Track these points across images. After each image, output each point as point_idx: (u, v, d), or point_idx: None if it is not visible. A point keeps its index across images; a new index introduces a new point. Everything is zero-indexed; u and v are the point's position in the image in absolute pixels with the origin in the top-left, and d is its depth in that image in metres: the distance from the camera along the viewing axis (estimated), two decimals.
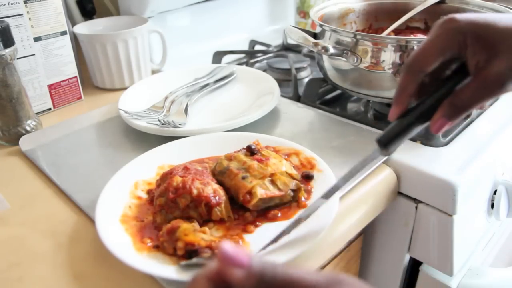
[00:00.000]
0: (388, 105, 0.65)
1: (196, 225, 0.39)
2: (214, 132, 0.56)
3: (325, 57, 0.63)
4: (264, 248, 0.37)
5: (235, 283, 0.22)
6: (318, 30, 0.66)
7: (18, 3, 0.62)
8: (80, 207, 0.47)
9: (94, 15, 0.90)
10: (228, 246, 0.23)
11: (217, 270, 0.22)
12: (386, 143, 0.36)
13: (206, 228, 0.39)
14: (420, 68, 0.36)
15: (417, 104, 0.37)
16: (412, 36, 0.58)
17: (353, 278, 0.23)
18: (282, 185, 0.43)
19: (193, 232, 0.37)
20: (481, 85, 0.34)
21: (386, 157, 0.36)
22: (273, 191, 0.43)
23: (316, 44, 0.59)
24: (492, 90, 0.34)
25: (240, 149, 0.49)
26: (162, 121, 0.59)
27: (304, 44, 0.61)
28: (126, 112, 0.61)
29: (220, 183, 0.44)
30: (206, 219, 0.41)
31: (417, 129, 0.37)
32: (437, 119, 0.36)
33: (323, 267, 0.53)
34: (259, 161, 0.45)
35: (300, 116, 0.64)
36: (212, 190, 0.42)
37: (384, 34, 0.66)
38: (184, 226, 0.38)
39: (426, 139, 0.55)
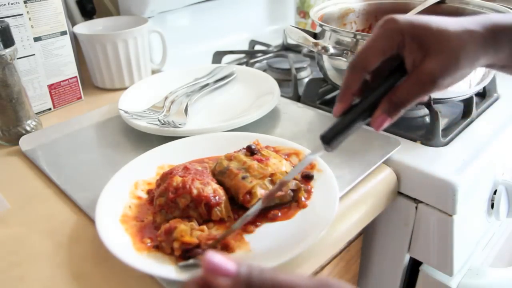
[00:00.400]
0: None
1: (194, 224, 0.39)
2: (214, 132, 0.56)
3: (325, 57, 0.63)
4: (247, 216, 0.38)
5: None
6: (318, 30, 0.66)
7: (18, 3, 0.62)
8: (80, 207, 0.47)
9: (94, 15, 0.90)
10: (212, 255, 0.22)
11: (204, 278, 0.22)
12: (329, 140, 0.37)
13: (204, 227, 0.39)
14: (363, 67, 0.38)
15: (359, 102, 0.38)
16: None
17: (343, 282, 0.23)
18: None
19: (190, 233, 0.37)
20: (415, 82, 0.36)
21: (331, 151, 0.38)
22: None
23: (316, 44, 0.59)
24: (425, 86, 0.35)
25: (240, 149, 0.49)
26: (162, 121, 0.59)
27: (304, 44, 0.61)
28: (126, 112, 0.61)
29: (220, 183, 0.44)
30: (206, 219, 0.41)
31: (360, 126, 0.38)
32: (378, 116, 0.37)
33: (323, 267, 0.53)
34: (259, 161, 0.45)
35: (300, 116, 0.64)
36: (212, 190, 0.42)
37: None
38: (182, 227, 0.38)
39: (426, 139, 0.55)
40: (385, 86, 0.37)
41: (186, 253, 0.37)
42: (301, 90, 0.70)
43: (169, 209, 0.41)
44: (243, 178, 0.43)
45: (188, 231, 0.38)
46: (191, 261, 0.36)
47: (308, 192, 0.44)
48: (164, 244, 0.38)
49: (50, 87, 0.70)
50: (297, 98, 0.70)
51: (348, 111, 0.38)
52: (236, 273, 0.22)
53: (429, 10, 0.68)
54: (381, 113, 0.37)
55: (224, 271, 0.22)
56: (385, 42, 0.37)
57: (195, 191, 0.41)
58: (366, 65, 0.38)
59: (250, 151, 0.47)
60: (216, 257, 0.22)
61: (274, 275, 0.22)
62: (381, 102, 0.37)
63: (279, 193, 0.43)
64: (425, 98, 0.38)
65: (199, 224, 0.40)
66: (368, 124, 0.38)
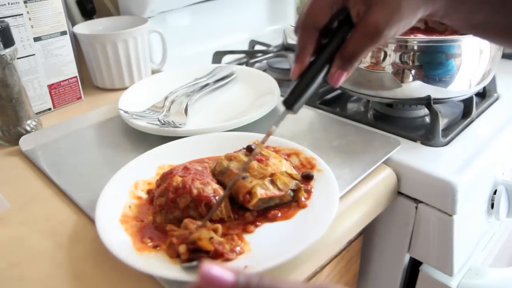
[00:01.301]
0: (388, 105, 0.65)
1: (211, 232, 0.38)
2: (214, 132, 0.56)
3: None
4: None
5: None
6: None
7: (18, 3, 0.62)
8: (80, 207, 0.47)
9: (94, 15, 0.90)
10: (209, 266, 0.22)
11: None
12: (292, 104, 0.38)
13: (218, 225, 0.39)
14: (314, 25, 0.38)
15: (314, 60, 0.39)
16: (412, 36, 0.58)
17: (340, 287, 0.23)
18: (282, 185, 0.43)
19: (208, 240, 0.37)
20: (362, 34, 0.36)
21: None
22: (273, 191, 0.43)
23: None
24: (372, 37, 0.36)
25: (240, 149, 0.49)
26: (162, 121, 0.59)
27: None
28: (126, 112, 0.61)
29: (220, 183, 0.44)
30: None
31: (318, 84, 0.38)
32: (333, 72, 0.38)
33: (323, 267, 0.53)
34: (259, 161, 0.45)
35: (300, 116, 0.64)
36: (212, 190, 0.42)
37: None
38: (203, 234, 0.37)
39: (426, 139, 0.55)
40: (335, 41, 0.38)
41: (191, 255, 0.37)
42: None
43: (169, 209, 0.41)
44: (243, 178, 0.43)
45: (208, 237, 0.37)
46: (194, 263, 0.36)
47: (308, 192, 0.44)
48: (173, 244, 0.37)
49: (50, 87, 0.70)
50: None
51: (305, 72, 0.38)
52: (234, 283, 0.22)
53: None
54: (336, 69, 0.38)
55: (221, 282, 0.22)
56: None
57: (195, 191, 0.41)
58: (316, 23, 0.38)
59: (250, 151, 0.47)
60: (213, 268, 0.22)
61: (273, 282, 0.22)
62: (334, 58, 0.38)
63: (279, 193, 0.43)
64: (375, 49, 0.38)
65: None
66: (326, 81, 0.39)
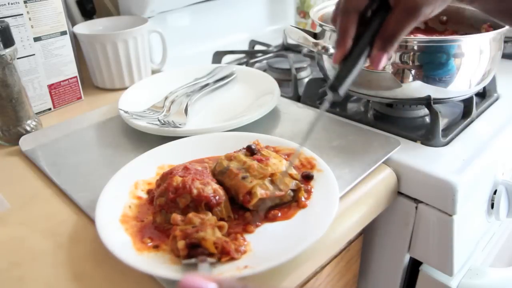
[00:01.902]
0: (388, 105, 0.65)
1: (216, 231, 0.38)
2: (214, 132, 0.56)
3: (325, 57, 0.63)
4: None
5: None
6: (318, 30, 0.66)
7: (18, 3, 0.62)
8: (80, 207, 0.47)
9: (94, 15, 0.90)
10: (190, 278, 0.21)
11: None
12: (338, 87, 0.38)
13: (224, 223, 0.39)
14: (354, 7, 0.39)
15: (354, 45, 0.39)
16: (412, 36, 0.58)
17: None
18: (282, 185, 0.43)
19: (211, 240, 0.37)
20: (401, 13, 0.38)
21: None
22: (273, 191, 0.43)
23: (316, 44, 0.59)
24: (411, 15, 0.37)
25: (240, 149, 0.49)
26: (162, 121, 0.59)
27: (304, 44, 0.61)
28: (126, 112, 0.61)
29: (220, 183, 0.44)
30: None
31: (361, 68, 0.39)
32: (375, 55, 0.39)
33: (323, 267, 0.53)
34: (259, 161, 0.45)
35: (300, 116, 0.64)
36: (212, 190, 0.42)
37: None
38: (208, 234, 0.37)
39: (426, 139, 0.55)
40: (374, 25, 0.39)
41: (191, 251, 0.36)
42: (301, 90, 0.70)
43: (169, 209, 0.41)
44: (243, 178, 0.43)
45: (212, 238, 0.37)
46: (193, 260, 0.36)
47: (308, 192, 0.44)
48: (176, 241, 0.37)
49: (50, 87, 0.70)
50: (297, 98, 0.70)
51: (347, 56, 0.39)
52: None
53: None
54: (377, 51, 0.39)
55: None
56: None
57: (195, 191, 0.41)
58: (357, 5, 0.39)
59: (250, 151, 0.47)
60: (195, 280, 0.21)
61: None
62: (374, 41, 0.39)
63: (279, 193, 0.43)
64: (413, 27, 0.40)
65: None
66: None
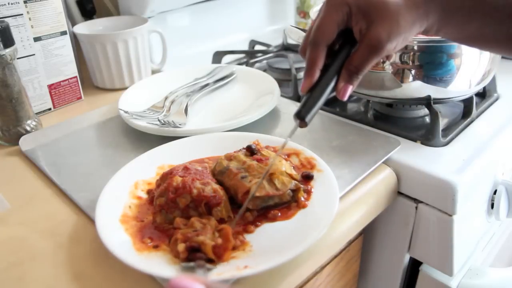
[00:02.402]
0: (388, 105, 0.65)
1: (216, 237, 0.38)
2: (214, 132, 0.56)
3: None
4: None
5: None
6: None
7: (18, 3, 0.62)
8: (80, 207, 0.47)
9: (94, 15, 0.90)
10: (179, 279, 0.22)
11: None
12: (304, 115, 0.39)
13: (228, 227, 0.38)
14: (324, 41, 0.41)
15: (321, 76, 0.41)
16: (412, 36, 0.58)
17: None
18: (280, 185, 0.43)
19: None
20: (366, 48, 0.39)
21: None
22: (270, 191, 0.43)
23: None
24: (375, 51, 0.39)
25: (240, 149, 0.49)
26: (162, 121, 0.59)
27: None
28: (126, 112, 0.61)
29: (220, 183, 0.44)
30: None
31: (326, 97, 0.41)
32: (341, 86, 0.41)
33: (323, 267, 0.53)
34: (259, 161, 0.45)
35: None
36: (212, 190, 0.42)
37: None
38: (207, 240, 0.37)
39: (426, 139, 0.55)
40: (341, 57, 0.41)
41: (190, 254, 0.37)
42: None
43: (169, 209, 0.41)
44: (242, 177, 0.43)
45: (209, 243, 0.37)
46: (192, 264, 0.36)
47: (308, 192, 0.44)
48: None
49: (50, 87, 0.70)
50: (297, 98, 0.70)
51: (314, 86, 0.41)
52: None
53: None
54: (343, 83, 0.41)
55: None
56: (337, 15, 0.40)
57: (195, 191, 0.41)
58: (326, 39, 0.41)
59: (250, 151, 0.47)
60: (182, 281, 0.22)
61: None
62: (341, 73, 0.41)
63: (278, 193, 0.43)
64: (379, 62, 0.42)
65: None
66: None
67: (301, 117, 0.39)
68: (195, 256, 0.36)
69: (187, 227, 0.39)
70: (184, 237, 0.37)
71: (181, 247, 0.36)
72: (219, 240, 0.37)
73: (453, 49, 0.53)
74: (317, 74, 0.41)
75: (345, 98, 0.41)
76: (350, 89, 0.41)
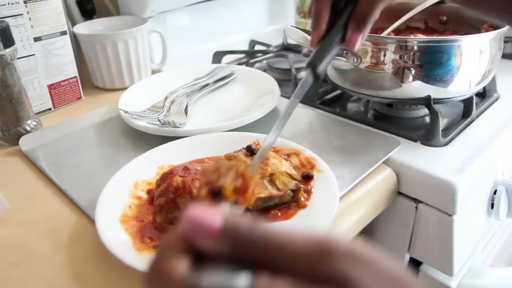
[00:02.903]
0: (388, 105, 0.65)
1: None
2: (214, 132, 0.56)
3: None
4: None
5: (206, 251, 0.19)
6: None
7: (18, 3, 0.62)
8: (80, 207, 0.47)
9: (94, 15, 0.90)
10: (196, 212, 0.19)
11: (185, 237, 0.19)
12: (316, 65, 0.39)
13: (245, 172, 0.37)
14: None
15: (329, 27, 0.41)
16: (412, 36, 0.58)
17: (354, 243, 0.19)
18: (281, 185, 0.43)
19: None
20: None
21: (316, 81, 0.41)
22: (271, 191, 0.43)
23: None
24: None
25: (240, 149, 0.49)
26: (162, 121, 0.59)
27: (304, 44, 0.61)
28: (126, 112, 0.61)
29: None
30: None
31: (337, 50, 0.41)
32: (351, 35, 0.41)
33: None
34: None
35: (300, 116, 0.64)
36: None
37: (384, 34, 0.66)
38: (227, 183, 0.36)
39: (426, 139, 0.55)
40: (347, 11, 0.41)
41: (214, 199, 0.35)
42: None
43: (169, 209, 0.41)
44: None
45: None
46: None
47: (308, 192, 0.44)
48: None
49: (50, 87, 0.70)
50: None
51: (323, 38, 0.41)
52: (221, 228, 0.19)
53: (429, 10, 0.68)
54: (352, 32, 0.40)
55: (208, 227, 0.19)
56: None
57: (195, 191, 0.41)
58: None
59: (250, 151, 0.47)
60: (201, 213, 0.19)
61: (267, 233, 0.19)
62: (349, 23, 0.40)
63: (278, 193, 0.43)
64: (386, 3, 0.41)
65: None
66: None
67: (313, 66, 0.39)
68: (219, 200, 0.35)
69: (212, 172, 0.37)
70: (205, 181, 0.36)
71: (203, 192, 0.35)
72: (239, 182, 0.36)
73: (453, 49, 0.53)
74: (323, 26, 0.41)
75: (355, 48, 0.41)
76: (359, 38, 0.40)
